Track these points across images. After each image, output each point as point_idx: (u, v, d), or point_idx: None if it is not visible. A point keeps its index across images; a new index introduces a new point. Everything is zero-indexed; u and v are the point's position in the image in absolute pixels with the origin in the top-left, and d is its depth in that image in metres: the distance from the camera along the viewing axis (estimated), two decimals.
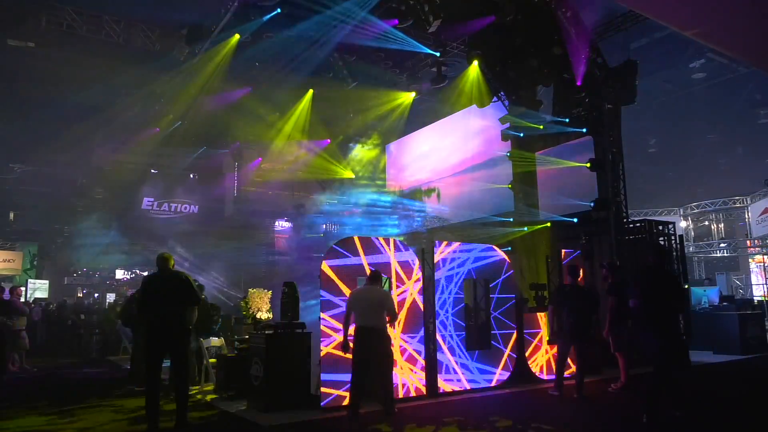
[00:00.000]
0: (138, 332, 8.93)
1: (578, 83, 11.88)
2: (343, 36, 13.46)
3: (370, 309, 6.19)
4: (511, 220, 13.64)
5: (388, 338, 6.40)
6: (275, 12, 12.44)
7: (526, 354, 8.53)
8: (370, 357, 6.15)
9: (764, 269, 21.75)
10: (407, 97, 16.57)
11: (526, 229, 12.93)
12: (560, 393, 7.31)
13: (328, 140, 19.15)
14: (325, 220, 20.27)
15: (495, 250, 8.51)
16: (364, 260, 7.13)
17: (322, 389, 6.56)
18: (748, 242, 23.41)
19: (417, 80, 15.32)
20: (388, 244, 7.44)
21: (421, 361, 7.43)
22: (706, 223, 26.05)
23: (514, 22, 11.81)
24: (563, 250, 9.70)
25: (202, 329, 8.60)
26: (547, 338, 8.91)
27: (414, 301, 7.48)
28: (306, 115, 17.54)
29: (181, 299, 5.80)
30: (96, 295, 23.45)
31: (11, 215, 22.28)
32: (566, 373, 7.75)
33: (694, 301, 13.61)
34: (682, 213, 26.01)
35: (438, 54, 13.62)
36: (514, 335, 8.44)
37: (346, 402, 6.48)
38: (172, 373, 5.90)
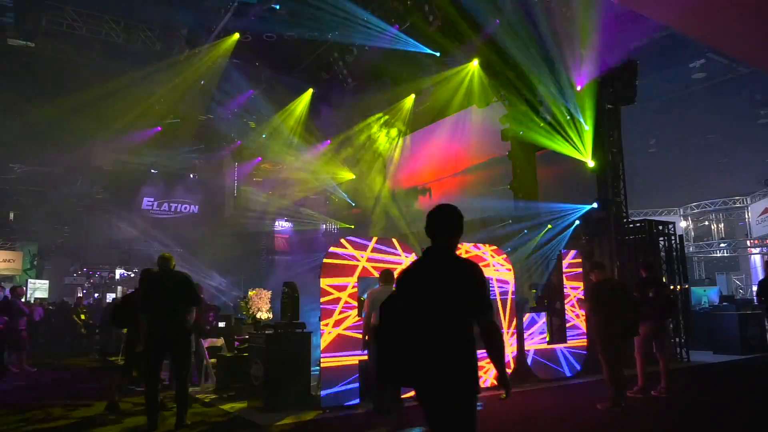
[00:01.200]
0: (132, 332, 8.86)
1: (578, 89, 11.88)
2: (343, 36, 13.49)
3: None
4: (510, 221, 13.63)
5: None
6: (275, 9, 12.43)
7: None
8: None
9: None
10: (408, 101, 16.57)
11: (526, 231, 12.93)
12: (623, 407, 6.45)
13: (328, 141, 19.15)
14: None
15: None
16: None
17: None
18: (748, 242, 23.39)
19: (416, 80, 15.29)
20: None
21: None
22: (706, 223, 26.03)
23: (514, 22, 11.81)
24: (562, 251, 9.71)
25: (196, 329, 8.57)
26: (548, 338, 8.94)
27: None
28: (305, 114, 17.56)
29: (181, 299, 5.80)
30: (96, 295, 23.44)
31: (11, 215, 22.26)
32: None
33: (694, 301, 13.60)
34: (682, 213, 26.00)
35: (438, 54, 13.61)
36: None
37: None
38: (172, 373, 5.90)
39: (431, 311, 2.72)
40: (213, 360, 8.99)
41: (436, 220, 2.91)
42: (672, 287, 11.24)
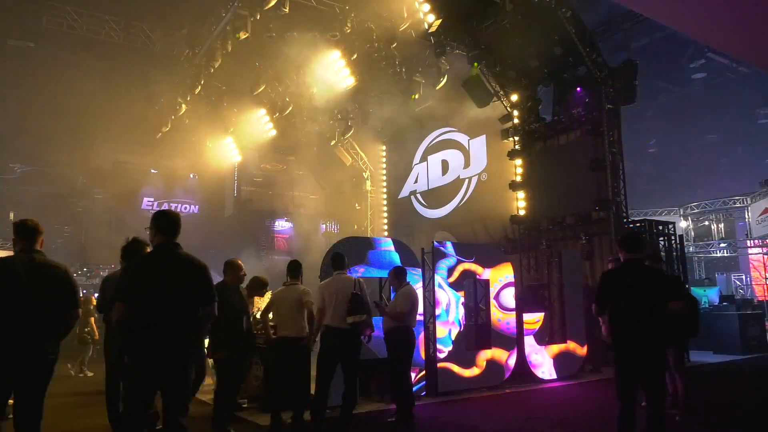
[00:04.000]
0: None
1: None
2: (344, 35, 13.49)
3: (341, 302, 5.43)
4: (509, 221, 13.60)
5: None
6: (277, 9, 12.39)
7: None
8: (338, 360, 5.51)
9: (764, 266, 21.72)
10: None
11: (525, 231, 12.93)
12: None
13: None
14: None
15: None
16: None
17: None
18: (748, 242, 23.37)
19: (417, 80, 15.28)
20: None
21: None
22: (706, 223, 25.98)
23: (514, 22, 11.81)
24: (563, 250, 9.72)
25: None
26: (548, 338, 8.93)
27: None
28: (306, 113, 17.57)
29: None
30: (96, 295, 23.41)
31: (11, 215, 22.26)
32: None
33: None
34: (682, 213, 25.96)
35: (438, 51, 13.59)
36: None
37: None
38: None
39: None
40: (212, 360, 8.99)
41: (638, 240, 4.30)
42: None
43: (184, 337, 3.49)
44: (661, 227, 11.64)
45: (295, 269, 5.89)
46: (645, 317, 4.18)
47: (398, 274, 6.19)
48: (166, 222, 3.66)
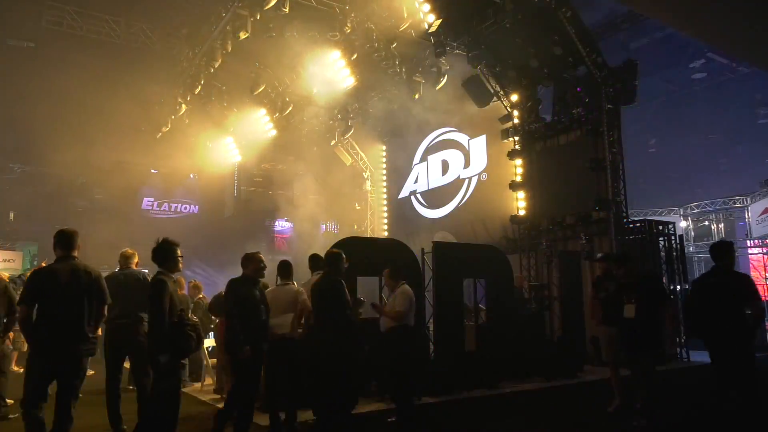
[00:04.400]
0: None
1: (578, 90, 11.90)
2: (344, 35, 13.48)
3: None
4: (509, 221, 13.60)
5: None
6: (277, 9, 12.39)
7: None
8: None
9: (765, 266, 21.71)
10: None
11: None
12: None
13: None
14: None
15: None
16: None
17: None
18: (748, 242, 23.35)
19: (417, 80, 15.29)
20: None
21: None
22: (706, 223, 25.98)
23: (514, 22, 11.81)
24: (562, 250, 9.72)
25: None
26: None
27: None
28: (306, 113, 17.56)
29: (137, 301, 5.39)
30: None
31: (11, 215, 22.25)
32: None
33: None
34: (682, 213, 25.95)
35: (438, 51, 13.60)
36: None
37: None
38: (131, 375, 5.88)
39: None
40: (213, 360, 9.00)
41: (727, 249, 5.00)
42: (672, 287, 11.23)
43: (79, 333, 4.23)
44: (661, 227, 11.64)
45: (286, 269, 5.92)
46: (725, 319, 5.18)
47: (394, 274, 6.08)
48: (62, 238, 4.38)
